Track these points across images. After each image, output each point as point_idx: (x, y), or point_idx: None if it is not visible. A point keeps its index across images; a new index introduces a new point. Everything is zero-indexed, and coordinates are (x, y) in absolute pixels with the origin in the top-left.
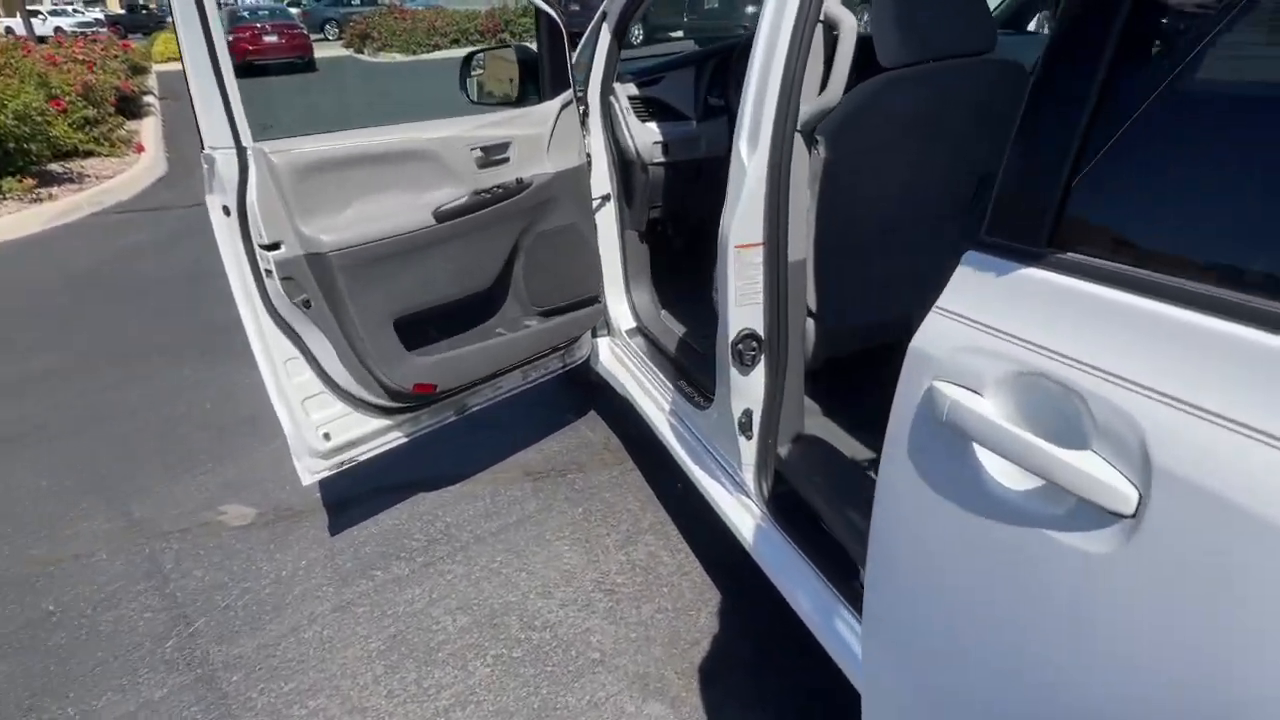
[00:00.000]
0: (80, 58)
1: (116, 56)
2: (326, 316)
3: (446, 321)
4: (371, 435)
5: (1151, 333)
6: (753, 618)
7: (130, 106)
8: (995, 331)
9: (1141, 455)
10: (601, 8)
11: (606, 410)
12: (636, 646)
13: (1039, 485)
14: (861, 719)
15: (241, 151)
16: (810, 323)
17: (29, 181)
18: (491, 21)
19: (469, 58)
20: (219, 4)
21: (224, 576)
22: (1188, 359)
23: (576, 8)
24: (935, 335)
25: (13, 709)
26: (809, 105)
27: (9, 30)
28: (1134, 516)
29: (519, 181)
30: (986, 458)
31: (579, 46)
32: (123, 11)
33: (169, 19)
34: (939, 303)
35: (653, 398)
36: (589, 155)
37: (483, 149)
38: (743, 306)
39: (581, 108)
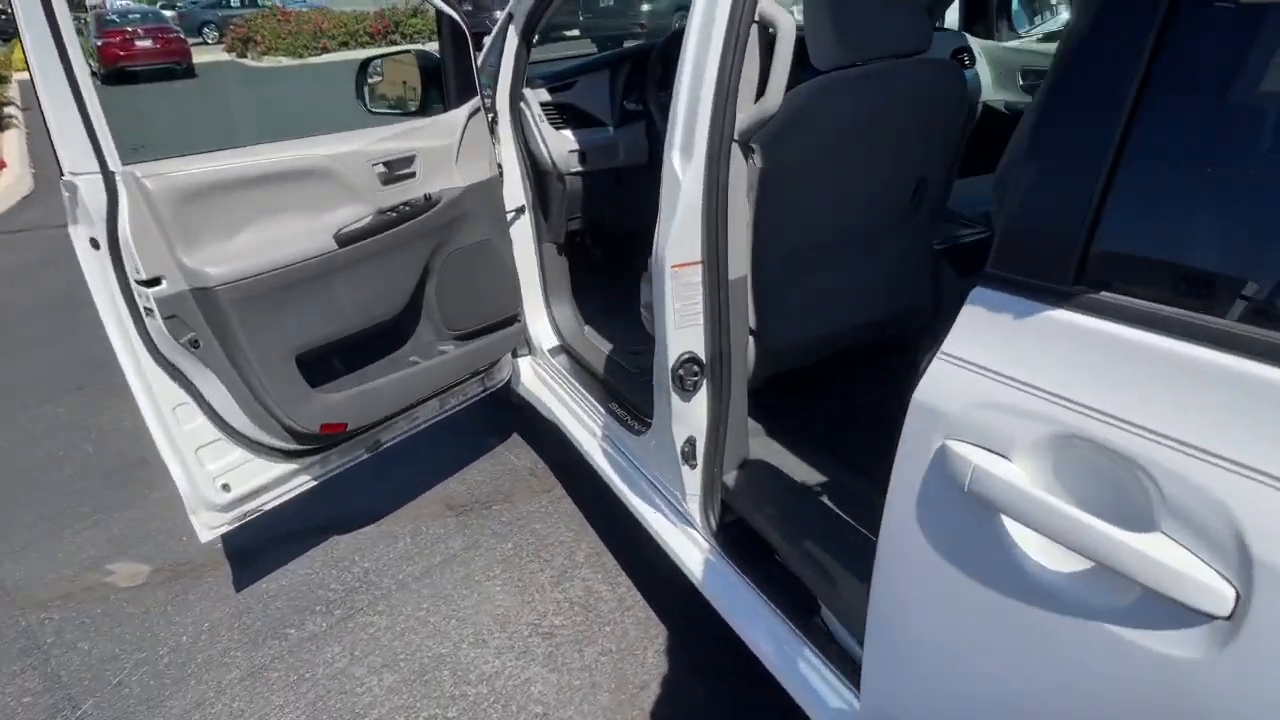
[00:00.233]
0: None
1: None
2: (219, 356)
3: (355, 353)
4: (276, 482)
5: (1233, 396)
6: (702, 652)
7: None
8: (1023, 385)
9: (1236, 545)
10: (507, 8)
11: (530, 433)
12: (582, 695)
13: (1087, 567)
14: None
15: (109, 176)
16: (751, 341)
17: None
18: (381, 23)
19: (365, 64)
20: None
21: (115, 647)
22: None
23: (469, 8)
24: (945, 387)
25: None
26: (746, 112)
27: None
28: (1229, 619)
29: (427, 198)
30: (1019, 532)
31: (484, 50)
32: None
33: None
34: (944, 348)
35: (582, 421)
36: (500, 166)
37: (386, 164)
38: (682, 329)
39: (490, 115)
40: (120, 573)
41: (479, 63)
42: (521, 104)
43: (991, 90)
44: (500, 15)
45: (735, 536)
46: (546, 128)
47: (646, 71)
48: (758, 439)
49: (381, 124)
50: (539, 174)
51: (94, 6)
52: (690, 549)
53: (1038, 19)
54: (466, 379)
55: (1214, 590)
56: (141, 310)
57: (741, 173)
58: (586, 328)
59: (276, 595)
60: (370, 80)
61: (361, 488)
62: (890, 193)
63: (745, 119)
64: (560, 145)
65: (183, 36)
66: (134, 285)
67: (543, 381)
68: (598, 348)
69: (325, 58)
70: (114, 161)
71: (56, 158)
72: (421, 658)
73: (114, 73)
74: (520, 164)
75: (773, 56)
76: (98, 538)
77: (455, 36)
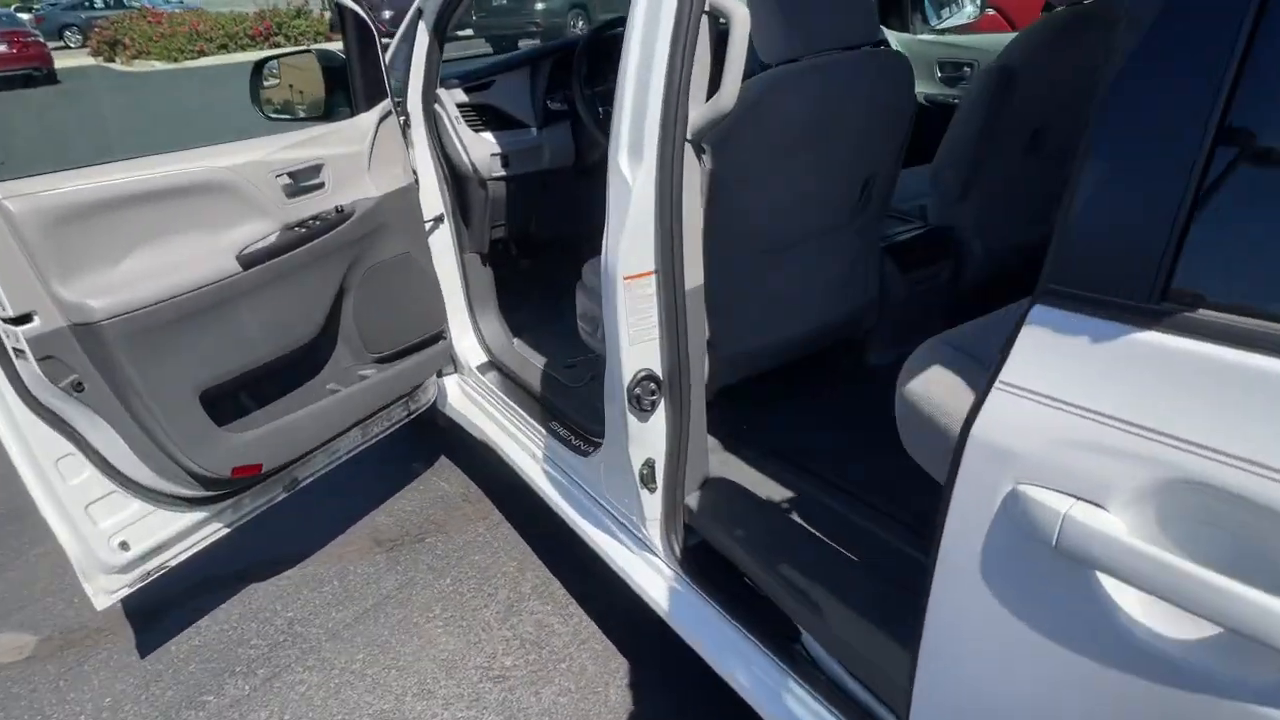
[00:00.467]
0: None
1: None
2: (108, 399)
3: (267, 385)
4: (183, 534)
5: None
6: (670, 687)
7: None
8: (1118, 422)
9: None
10: (415, 4)
11: (459, 456)
12: None
13: (1214, 634)
14: None
15: None
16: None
17: None
18: (262, 24)
19: (260, 66)
20: None
21: None
22: None
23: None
24: (1013, 423)
25: None
26: (698, 110)
27: None
28: None
29: (339, 210)
30: (1122, 594)
31: (391, 48)
32: None
33: None
34: (1004, 377)
35: (519, 441)
36: (415, 172)
37: (290, 174)
38: (637, 345)
39: (401, 118)
40: (2, 644)
41: (386, 61)
42: (436, 106)
43: None
44: (389, 14)
45: (700, 561)
46: (465, 130)
47: (571, 69)
48: (715, 454)
49: (283, 131)
50: (458, 180)
51: None
52: (652, 577)
53: (944, 11)
54: (391, 404)
55: None
56: (10, 351)
57: (695, 174)
58: (516, 341)
59: (189, 658)
60: (266, 83)
61: (279, 528)
62: (841, 191)
63: (699, 117)
64: (480, 149)
65: (42, 40)
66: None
67: (472, 401)
68: (530, 362)
69: (204, 61)
70: None
71: None
72: (361, 717)
73: None
74: (437, 170)
75: (727, 49)
76: None
77: (361, 34)
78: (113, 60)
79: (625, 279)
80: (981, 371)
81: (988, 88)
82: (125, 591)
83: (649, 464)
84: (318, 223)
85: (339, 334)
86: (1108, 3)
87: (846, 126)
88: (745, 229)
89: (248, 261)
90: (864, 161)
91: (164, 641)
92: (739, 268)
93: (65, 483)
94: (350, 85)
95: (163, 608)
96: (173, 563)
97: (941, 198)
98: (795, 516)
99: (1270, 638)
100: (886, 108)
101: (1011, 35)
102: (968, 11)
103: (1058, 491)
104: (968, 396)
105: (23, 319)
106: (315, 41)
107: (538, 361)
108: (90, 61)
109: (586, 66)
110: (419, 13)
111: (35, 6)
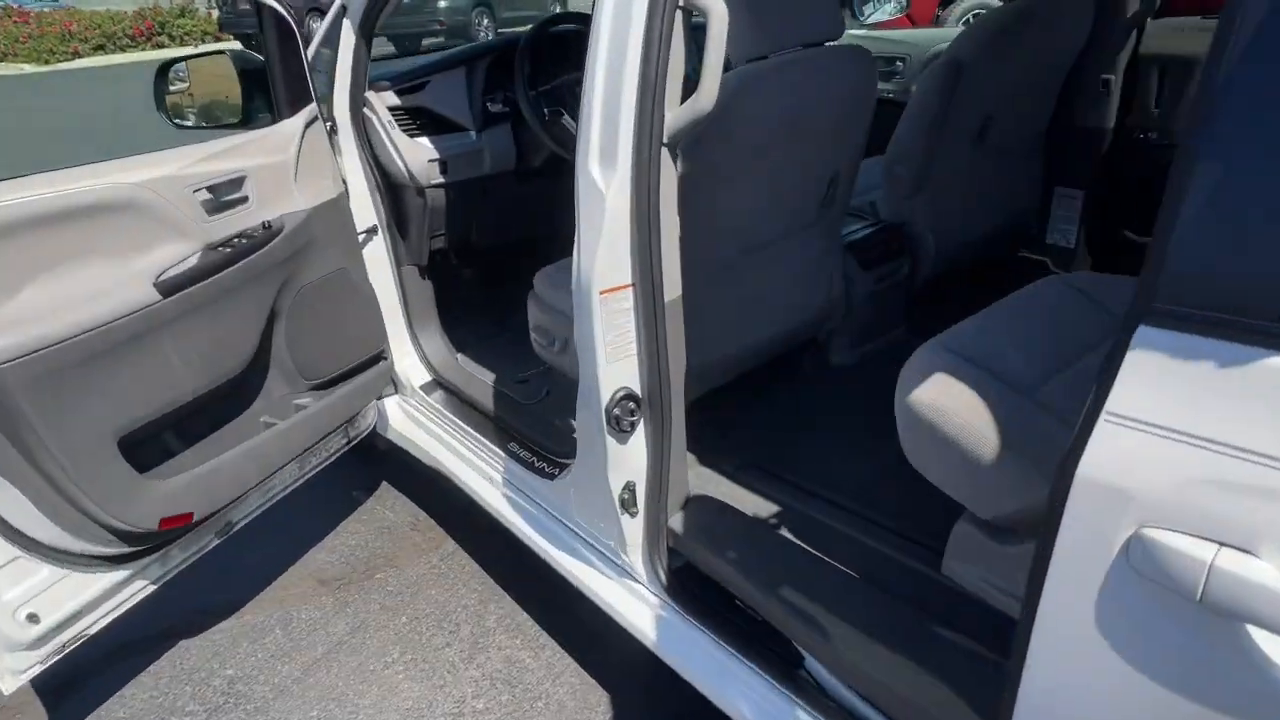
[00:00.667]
0: None
1: None
2: (7, 453)
3: (195, 423)
4: (102, 597)
5: None
6: (653, 715)
7: None
8: (1266, 459)
9: None
10: (339, 1)
11: (403, 481)
12: None
13: None
14: None
15: None
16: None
17: None
18: (143, 24)
19: (165, 68)
20: None
21: None
22: None
23: (246, 7)
24: (1131, 459)
25: None
26: (675, 112)
27: None
28: None
29: (266, 226)
30: None
31: (312, 49)
32: None
33: None
34: (1110, 407)
35: (473, 465)
36: (345, 182)
37: (210, 189)
38: (615, 363)
39: (328, 124)
40: None
41: (307, 61)
42: (365, 110)
43: None
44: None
45: (688, 585)
46: (399, 135)
47: (510, 68)
48: (691, 469)
49: (197, 140)
50: (393, 189)
51: None
52: (636, 606)
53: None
54: (331, 433)
55: None
56: None
57: (672, 180)
58: (460, 356)
59: None
60: (174, 88)
61: (209, 575)
62: (808, 190)
63: (676, 119)
64: (417, 155)
65: None
66: None
67: (416, 423)
68: (478, 379)
69: (80, 63)
70: None
71: None
72: None
73: None
74: (369, 178)
75: (706, 46)
76: None
77: (282, 33)
78: None
79: (601, 294)
80: (990, 378)
81: (938, 82)
82: (37, 669)
83: (629, 487)
84: (243, 241)
85: (271, 362)
86: None
87: (813, 124)
88: (714, 233)
89: (167, 288)
90: (829, 159)
91: (84, 716)
92: (707, 274)
93: None
94: (271, 89)
95: (81, 677)
96: (92, 630)
97: (895, 193)
98: (786, 532)
99: None
100: (851, 104)
101: (932, 31)
102: (890, 8)
103: (1196, 537)
104: (982, 408)
105: None
106: (204, 41)
107: (486, 378)
108: None
109: (529, 65)
110: (343, 10)
111: None
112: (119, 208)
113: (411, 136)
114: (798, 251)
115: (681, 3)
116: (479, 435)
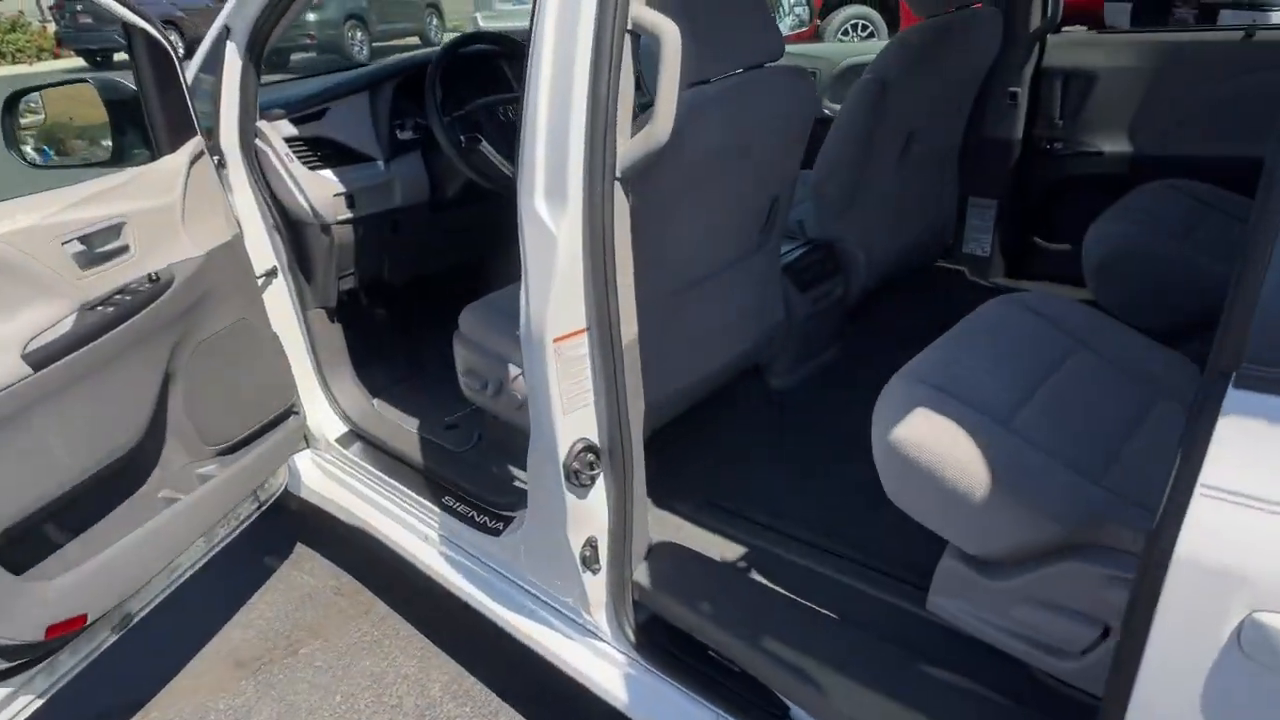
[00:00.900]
0: None
1: None
2: None
3: (82, 508)
4: None
5: None
6: None
7: None
8: None
9: None
10: (220, 20)
11: (319, 541)
12: None
13: None
14: None
15: None
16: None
17: None
18: None
19: (13, 101)
20: None
21: None
22: None
23: (88, 20)
24: (1238, 537)
25: None
26: (628, 144)
27: None
28: None
29: (153, 279)
30: None
31: (190, 75)
32: None
33: None
34: (1206, 480)
35: (404, 522)
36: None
37: (83, 239)
38: (572, 414)
39: (215, 158)
40: None
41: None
42: (258, 141)
43: None
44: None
45: (656, 640)
46: (298, 169)
47: (420, 93)
48: (650, 514)
49: (61, 184)
50: (293, 227)
51: None
52: (603, 666)
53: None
54: (239, 502)
55: None
56: None
57: (625, 215)
58: (377, 402)
59: None
60: (25, 121)
61: (105, 671)
62: (750, 215)
63: (630, 151)
64: (320, 189)
65: None
66: None
67: (334, 479)
68: (402, 427)
69: None
70: None
71: None
72: None
73: None
74: (266, 217)
75: (660, 73)
76: None
77: (157, 59)
78: None
79: (555, 341)
80: (971, 411)
81: (866, 99)
82: None
83: (591, 543)
84: (127, 298)
85: (168, 430)
86: (965, 16)
87: (757, 148)
88: (663, 266)
89: (38, 360)
90: (771, 181)
91: None
92: (657, 310)
93: None
94: (148, 121)
95: None
96: None
97: (825, 211)
98: (757, 575)
99: None
100: (792, 125)
101: (840, 45)
102: (789, 22)
103: None
104: (969, 443)
105: None
106: (40, 59)
107: (410, 425)
108: None
109: (441, 90)
110: (226, 31)
111: None
112: None
113: (312, 169)
114: (742, 277)
115: (630, 26)
116: (408, 490)
